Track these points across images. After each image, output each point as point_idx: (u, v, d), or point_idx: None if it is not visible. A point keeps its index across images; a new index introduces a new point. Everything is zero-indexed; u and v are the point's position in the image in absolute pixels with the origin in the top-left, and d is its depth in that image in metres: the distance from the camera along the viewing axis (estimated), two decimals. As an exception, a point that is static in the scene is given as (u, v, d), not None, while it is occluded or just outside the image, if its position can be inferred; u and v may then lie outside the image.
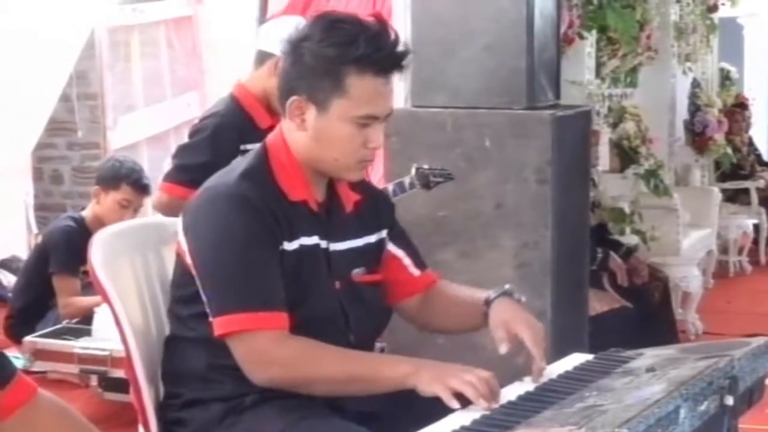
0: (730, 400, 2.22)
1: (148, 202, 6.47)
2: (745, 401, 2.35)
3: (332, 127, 2.51)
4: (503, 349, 2.55)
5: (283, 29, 4.06)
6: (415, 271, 2.80)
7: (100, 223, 5.38)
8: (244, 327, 2.44)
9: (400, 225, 2.85)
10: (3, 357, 1.81)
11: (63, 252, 5.43)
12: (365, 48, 2.46)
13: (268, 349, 2.44)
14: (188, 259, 2.54)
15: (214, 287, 2.49)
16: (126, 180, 5.52)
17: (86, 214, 5.60)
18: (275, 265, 2.49)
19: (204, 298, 2.50)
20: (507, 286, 2.72)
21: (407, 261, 2.79)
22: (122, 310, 2.67)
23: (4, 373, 1.77)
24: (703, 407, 2.15)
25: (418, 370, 2.41)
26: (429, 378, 2.37)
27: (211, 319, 2.48)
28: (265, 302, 2.46)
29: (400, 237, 2.81)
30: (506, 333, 2.57)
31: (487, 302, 2.68)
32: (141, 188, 5.59)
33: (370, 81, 2.49)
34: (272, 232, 2.50)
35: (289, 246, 2.53)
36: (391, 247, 2.77)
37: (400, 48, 2.52)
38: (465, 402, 2.31)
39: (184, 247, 2.56)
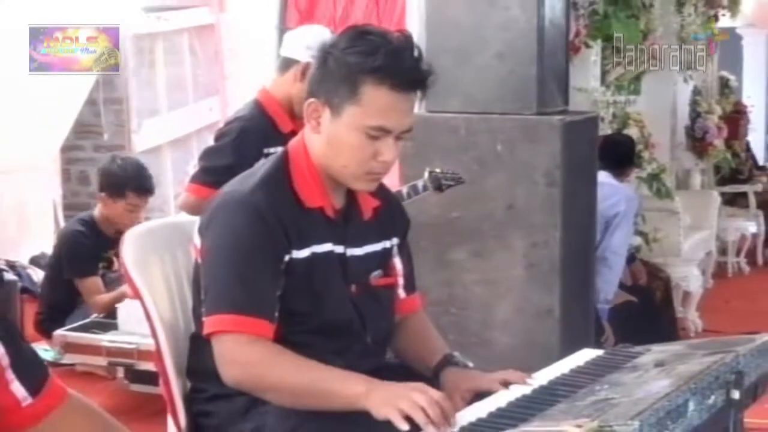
0: (736, 394, 2.21)
1: (172, 201, 6.52)
2: (750, 395, 2.34)
3: (342, 132, 2.47)
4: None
5: (307, 37, 4.12)
6: (401, 293, 2.74)
7: (111, 223, 5.43)
8: (225, 328, 2.42)
9: (407, 243, 2.79)
10: (38, 363, 1.78)
11: (76, 260, 5.48)
12: (384, 60, 2.42)
13: (232, 349, 2.41)
14: (199, 259, 2.54)
15: (209, 288, 2.48)
16: (129, 187, 5.55)
17: (96, 213, 5.63)
18: (273, 276, 2.46)
19: (203, 297, 2.50)
20: (455, 354, 2.65)
21: (400, 281, 2.74)
22: (152, 306, 2.67)
23: (38, 380, 1.74)
24: (710, 401, 2.14)
25: (370, 391, 2.28)
26: (380, 401, 2.24)
27: (203, 318, 2.47)
28: (251, 307, 2.42)
29: (404, 254, 2.76)
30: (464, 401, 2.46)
31: (435, 373, 2.61)
32: (145, 192, 5.62)
33: (385, 93, 2.43)
34: (277, 243, 2.46)
35: (299, 254, 2.50)
36: (396, 261, 2.73)
37: (422, 67, 2.47)
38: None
39: (198, 246, 2.55)
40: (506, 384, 2.46)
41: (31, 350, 1.79)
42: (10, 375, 1.70)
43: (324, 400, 2.35)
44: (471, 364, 2.64)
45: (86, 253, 5.46)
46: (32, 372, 1.74)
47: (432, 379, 2.57)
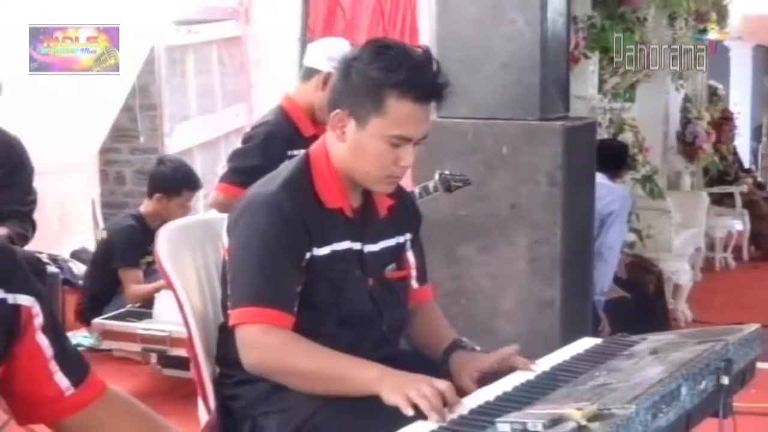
0: (725, 380, 2.21)
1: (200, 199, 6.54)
2: (738, 381, 2.34)
3: (367, 142, 2.47)
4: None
5: (328, 49, 4.11)
6: (414, 284, 2.74)
7: (162, 219, 5.44)
8: (248, 318, 2.42)
9: (420, 238, 2.79)
10: (79, 356, 1.78)
11: (126, 249, 5.49)
12: (407, 75, 2.41)
13: (254, 336, 2.40)
14: (227, 257, 2.54)
15: (235, 283, 2.47)
16: (185, 186, 5.62)
17: (144, 210, 5.64)
18: (294, 272, 2.45)
19: (229, 291, 2.50)
20: (464, 339, 2.65)
21: (413, 272, 2.74)
22: (185, 297, 2.67)
23: (80, 373, 1.74)
24: (701, 386, 2.14)
25: (382, 378, 2.28)
26: (391, 387, 2.24)
27: (229, 311, 2.47)
28: (272, 300, 2.41)
29: (416, 248, 2.75)
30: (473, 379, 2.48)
31: (445, 356, 2.60)
32: (197, 188, 5.74)
33: (408, 105, 2.43)
34: (299, 241, 2.46)
35: (320, 251, 2.50)
36: (409, 254, 2.73)
37: (441, 79, 2.46)
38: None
39: (226, 244, 2.55)
40: (511, 365, 2.46)
41: (72, 345, 1.79)
42: (53, 366, 1.69)
43: (338, 384, 2.35)
44: (478, 348, 2.64)
45: (136, 246, 5.48)
46: (74, 364, 1.74)
47: (441, 363, 2.58)
